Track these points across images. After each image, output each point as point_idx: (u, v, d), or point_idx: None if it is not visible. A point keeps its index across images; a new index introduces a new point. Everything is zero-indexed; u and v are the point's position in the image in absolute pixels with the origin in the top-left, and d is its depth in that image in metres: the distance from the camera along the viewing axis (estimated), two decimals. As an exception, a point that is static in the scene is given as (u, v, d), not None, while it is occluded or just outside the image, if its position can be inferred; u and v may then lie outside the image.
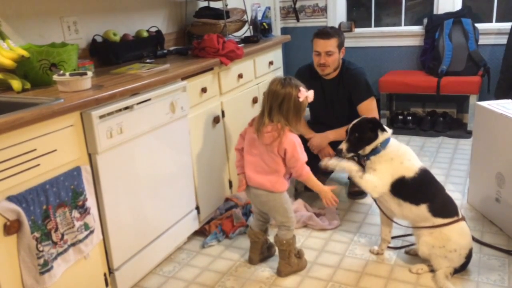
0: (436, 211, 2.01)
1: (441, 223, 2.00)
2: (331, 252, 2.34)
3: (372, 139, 2.09)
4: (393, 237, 2.31)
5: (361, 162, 2.17)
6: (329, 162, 2.14)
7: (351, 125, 2.15)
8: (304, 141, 2.48)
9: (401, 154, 2.07)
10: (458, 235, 2.00)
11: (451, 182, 3.04)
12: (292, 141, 1.99)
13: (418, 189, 2.04)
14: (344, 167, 2.11)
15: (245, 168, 2.13)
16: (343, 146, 2.14)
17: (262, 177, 2.07)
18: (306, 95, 2.01)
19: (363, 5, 4.57)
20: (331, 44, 2.65)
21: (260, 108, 2.09)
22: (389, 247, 2.31)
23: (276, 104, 1.99)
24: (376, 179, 2.06)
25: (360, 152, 2.13)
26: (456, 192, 2.87)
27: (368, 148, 2.10)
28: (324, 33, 2.67)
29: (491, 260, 2.19)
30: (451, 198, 2.08)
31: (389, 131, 2.13)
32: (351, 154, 2.16)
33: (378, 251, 2.29)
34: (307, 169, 2.04)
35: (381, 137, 2.09)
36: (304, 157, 2.03)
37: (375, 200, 2.21)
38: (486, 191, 2.52)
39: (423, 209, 2.02)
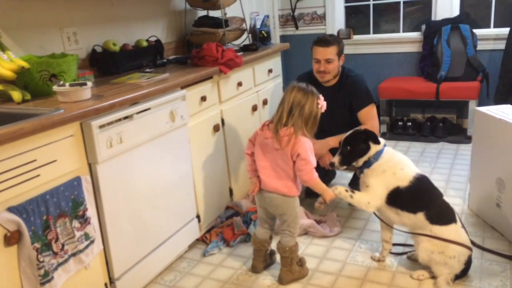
0: (433, 219, 2.01)
1: (439, 230, 2.00)
2: (333, 259, 2.34)
3: (364, 152, 2.09)
4: (394, 244, 2.30)
5: (357, 174, 2.18)
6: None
7: (343, 137, 2.14)
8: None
9: (393, 165, 2.06)
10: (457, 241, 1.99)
11: (451, 187, 3.03)
12: (304, 145, 2.00)
13: (414, 197, 2.03)
14: (335, 194, 2.09)
15: (259, 173, 2.12)
16: (336, 159, 2.14)
17: (277, 181, 2.07)
18: (322, 104, 2.04)
19: (361, 12, 4.59)
20: (330, 51, 2.66)
21: (277, 111, 2.07)
22: (390, 253, 2.30)
23: (297, 110, 1.99)
24: (368, 195, 2.07)
25: (354, 164, 2.13)
26: (457, 198, 2.87)
27: (361, 161, 2.10)
28: (324, 41, 2.69)
29: (492, 265, 2.18)
30: (448, 205, 2.07)
31: (382, 142, 2.12)
32: (344, 167, 2.16)
33: (380, 258, 2.28)
34: (316, 174, 2.04)
35: (374, 149, 2.09)
36: (314, 162, 2.03)
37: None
38: (486, 196, 2.52)
39: (420, 217, 2.02)
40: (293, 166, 2.04)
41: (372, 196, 2.07)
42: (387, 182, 2.05)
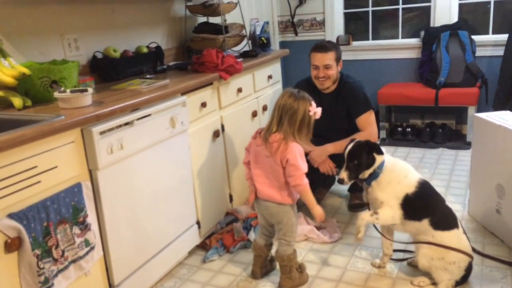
0: (436, 224, 2.01)
1: (441, 235, 2.00)
2: (333, 265, 2.33)
3: (370, 164, 2.06)
4: (395, 250, 2.30)
5: (359, 184, 2.17)
6: (359, 235, 2.09)
7: (347, 151, 2.09)
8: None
9: (397, 174, 2.06)
10: (457, 247, 1.99)
11: (451, 193, 3.03)
12: (293, 150, 1.99)
13: (420, 203, 2.03)
14: (363, 225, 2.06)
15: (254, 181, 2.13)
16: (344, 175, 2.08)
17: (271, 189, 2.07)
18: (316, 110, 2.04)
19: (360, 19, 4.61)
20: (329, 57, 2.67)
21: (268, 120, 2.09)
22: (391, 259, 2.30)
23: (287, 116, 2.00)
24: (388, 209, 2.04)
25: (360, 177, 2.11)
26: (457, 204, 2.87)
27: (367, 173, 2.08)
28: (322, 46, 2.70)
29: (493, 272, 2.18)
30: (450, 210, 2.08)
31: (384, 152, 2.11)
32: (353, 181, 2.14)
33: (380, 264, 2.28)
34: (306, 180, 2.04)
35: (378, 160, 2.07)
36: (304, 167, 2.03)
37: None
38: (486, 203, 2.52)
39: (424, 223, 2.02)
40: (284, 172, 2.04)
41: (391, 208, 2.04)
42: (396, 192, 2.04)
